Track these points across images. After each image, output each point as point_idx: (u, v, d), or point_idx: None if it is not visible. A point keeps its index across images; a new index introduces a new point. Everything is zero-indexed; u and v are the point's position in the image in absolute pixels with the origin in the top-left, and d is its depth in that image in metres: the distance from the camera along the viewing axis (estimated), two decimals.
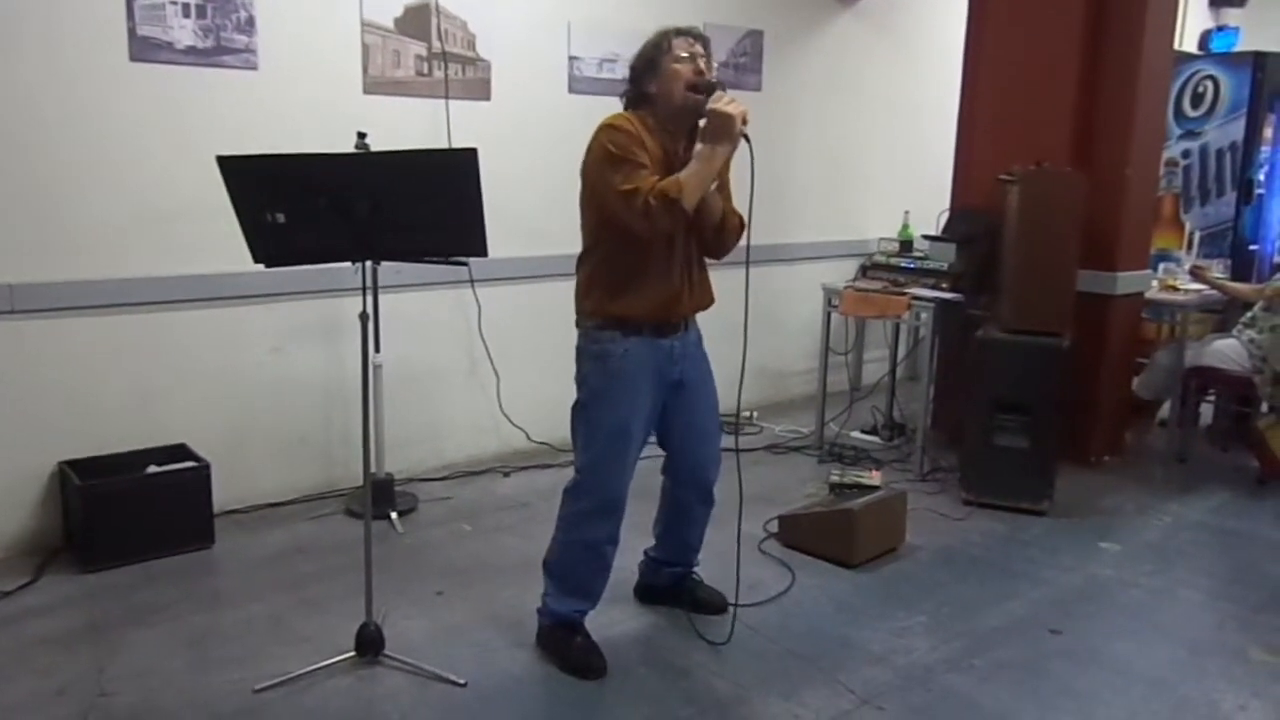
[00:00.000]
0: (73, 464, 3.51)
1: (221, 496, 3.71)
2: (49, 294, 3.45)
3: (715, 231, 2.75)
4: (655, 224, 2.53)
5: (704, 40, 2.73)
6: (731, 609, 3.13)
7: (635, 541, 3.16)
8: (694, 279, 2.80)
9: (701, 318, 2.93)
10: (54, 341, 3.49)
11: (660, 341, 2.75)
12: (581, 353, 2.78)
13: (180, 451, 3.69)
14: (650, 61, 2.68)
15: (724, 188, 2.78)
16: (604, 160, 2.57)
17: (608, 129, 2.60)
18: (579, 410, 2.81)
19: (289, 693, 2.68)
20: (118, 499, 3.43)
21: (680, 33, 2.69)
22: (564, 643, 2.88)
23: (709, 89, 2.60)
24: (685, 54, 2.65)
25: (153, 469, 3.57)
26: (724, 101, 2.54)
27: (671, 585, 3.20)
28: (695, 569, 3.23)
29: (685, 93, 2.63)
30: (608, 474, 2.76)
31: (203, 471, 3.61)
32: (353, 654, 2.81)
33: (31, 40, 3.30)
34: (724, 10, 5.14)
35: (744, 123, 2.56)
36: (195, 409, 3.81)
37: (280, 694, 2.67)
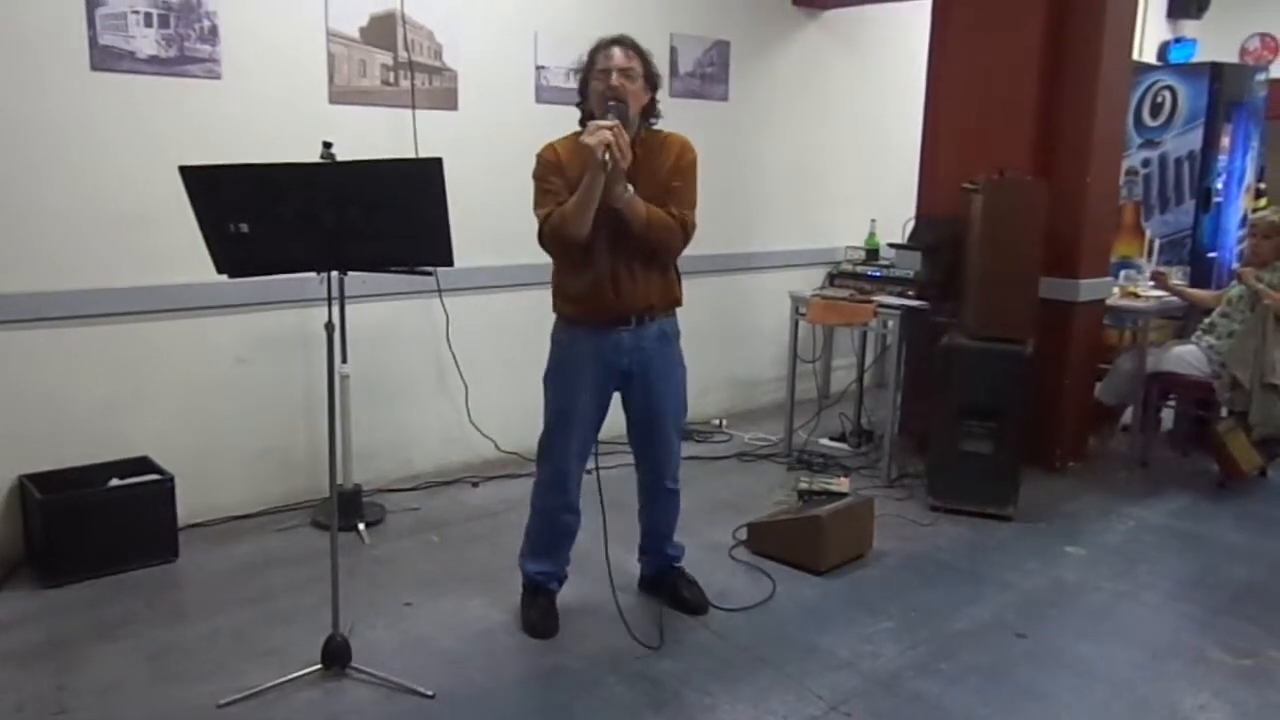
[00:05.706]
0: (34, 477, 3.46)
1: (186, 509, 3.67)
2: (8, 305, 3.40)
3: (643, 232, 2.82)
4: (555, 245, 2.85)
5: (625, 45, 2.84)
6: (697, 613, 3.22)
7: (627, 549, 3.21)
8: (632, 280, 2.89)
9: None
10: (14, 353, 3.44)
11: (607, 334, 2.93)
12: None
13: (144, 464, 3.65)
14: (584, 80, 2.91)
15: (674, 194, 2.88)
16: (534, 185, 2.90)
17: (537, 157, 2.90)
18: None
19: (254, 707, 2.65)
20: (79, 513, 3.38)
21: (601, 46, 2.86)
22: (528, 603, 3.17)
23: (609, 110, 2.76)
24: (603, 69, 2.82)
25: (115, 482, 3.53)
26: (590, 132, 2.69)
27: (655, 575, 3.35)
28: (679, 563, 3.36)
29: (604, 109, 2.79)
30: (554, 446, 3.05)
31: (166, 484, 3.57)
32: (319, 666, 2.79)
33: None
34: (691, 21, 5.17)
35: (606, 150, 2.64)
36: (159, 421, 3.77)
37: (245, 709, 2.64)
